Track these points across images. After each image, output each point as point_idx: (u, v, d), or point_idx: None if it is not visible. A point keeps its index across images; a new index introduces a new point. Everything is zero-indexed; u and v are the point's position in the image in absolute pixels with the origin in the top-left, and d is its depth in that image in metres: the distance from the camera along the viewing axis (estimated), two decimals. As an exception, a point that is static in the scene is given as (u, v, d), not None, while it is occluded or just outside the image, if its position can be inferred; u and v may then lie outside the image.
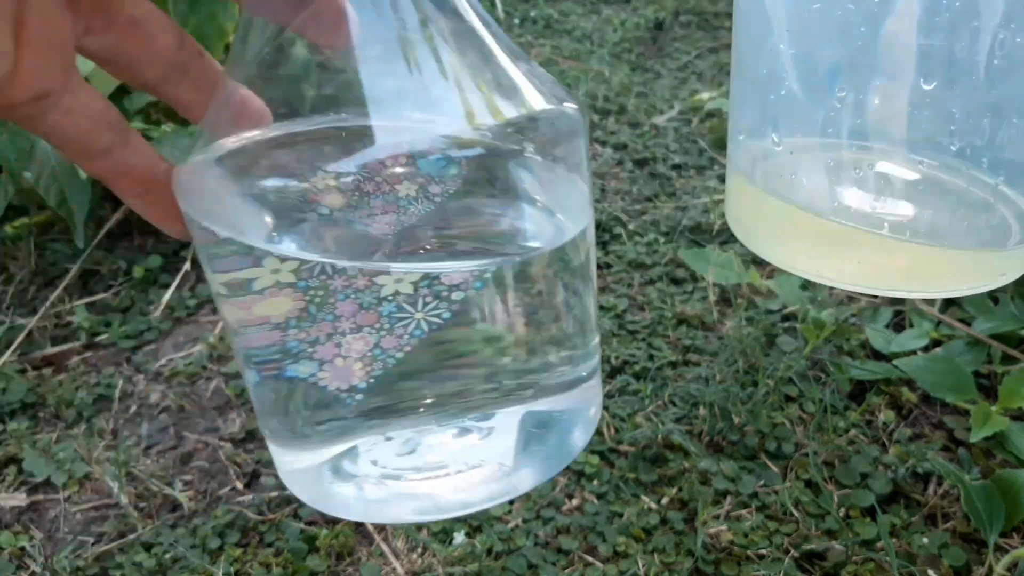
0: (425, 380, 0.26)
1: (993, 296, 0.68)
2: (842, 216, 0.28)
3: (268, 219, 0.24)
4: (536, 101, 0.26)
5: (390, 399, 0.26)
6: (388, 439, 0.26)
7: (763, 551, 0.48)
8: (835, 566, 0.47)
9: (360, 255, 0.24)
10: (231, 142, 0.25)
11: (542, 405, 0.28)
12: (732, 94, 0.31)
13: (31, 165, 0.76)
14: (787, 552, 0.48)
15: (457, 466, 0.26)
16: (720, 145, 1.06)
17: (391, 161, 0.24)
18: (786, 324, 0.68)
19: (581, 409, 0.30)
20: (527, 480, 0.27)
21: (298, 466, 0.28)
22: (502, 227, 0.26)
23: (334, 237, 0.24)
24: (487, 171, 0.25)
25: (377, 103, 0.24)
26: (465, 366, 0.27)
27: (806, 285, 0.73)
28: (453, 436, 0.27)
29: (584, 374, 0.29)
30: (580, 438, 0.29)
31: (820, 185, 0.28)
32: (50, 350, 0.69)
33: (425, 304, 0.24)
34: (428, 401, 0.26)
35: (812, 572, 0.47)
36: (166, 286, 0.77)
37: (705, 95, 1.21)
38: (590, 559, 0.48)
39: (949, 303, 0.68)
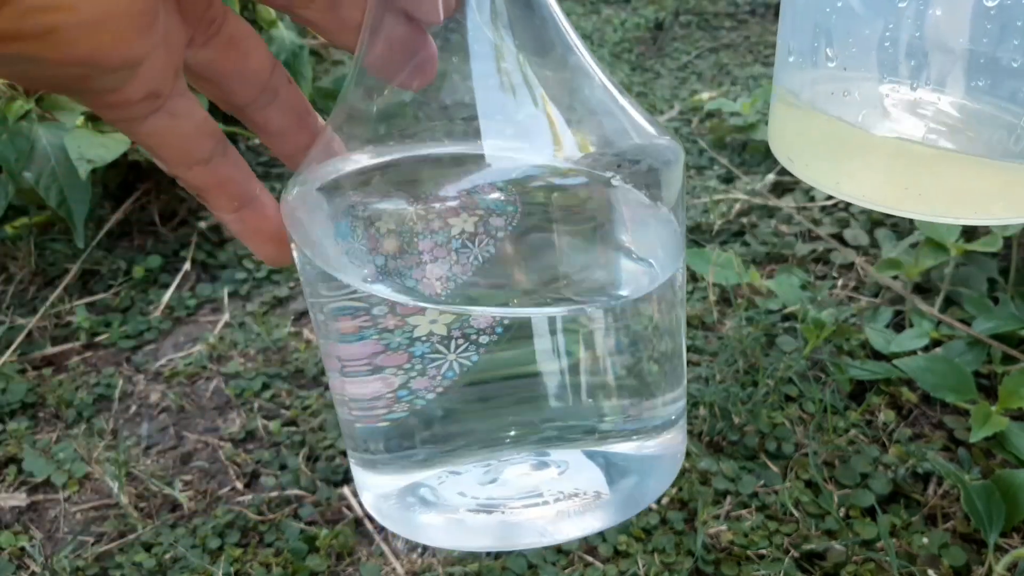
0: (508, 416, 0.26)
1: (993, 296, 0.68)
2: (893, 132, 0.27)
3: (369, 255, 0.24)
4: (636, 134, 0.26)
5: (475, 428, 0.27)
6: (464, 471, 0.27)
7: (763, 551, 0.48)
8: (835, 566, 0.47)
9: (453, 297, 0.24)
10: (339, 169, 0.25)
11: (626, 447, 0.29)
12: (783, 11, 0.30)
13: (31, 165, 0.76)
14: (787, 552, 0.48)
15: (553, 495, 0.27)
16: (720, 145, 1.06)
17: (487, 191, 0.24)
18: (786, 324, 0.68)
19: (666, 454, 0.30)
20: (619, 513, 0.28)
21: (381, 491, 0.29)
22: (597, 269, 0.27)
23: (430, 278, 0.24)
24: (583, 204, 0.26)
25: (474, 133, 0.24)
26: (546, 403, 0.27)
27: (806, 285, 0.73)
28: (532, 468, 0.27)
29: (671, 418, 0.29)
30: (663, 480, 0.29)
31: (873, 101, 0.27)
32: (50, 350, 0.69)
33: (511, 344, 0.25)
34: (512, 433, 0.27)
35: (812, 572, 0.47)
36: (166, 286, 0.77)
37: (705, 95, 1.21)
38: (590, 559, 0.48)
39: (949, 303, 0.68)
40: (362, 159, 0.25)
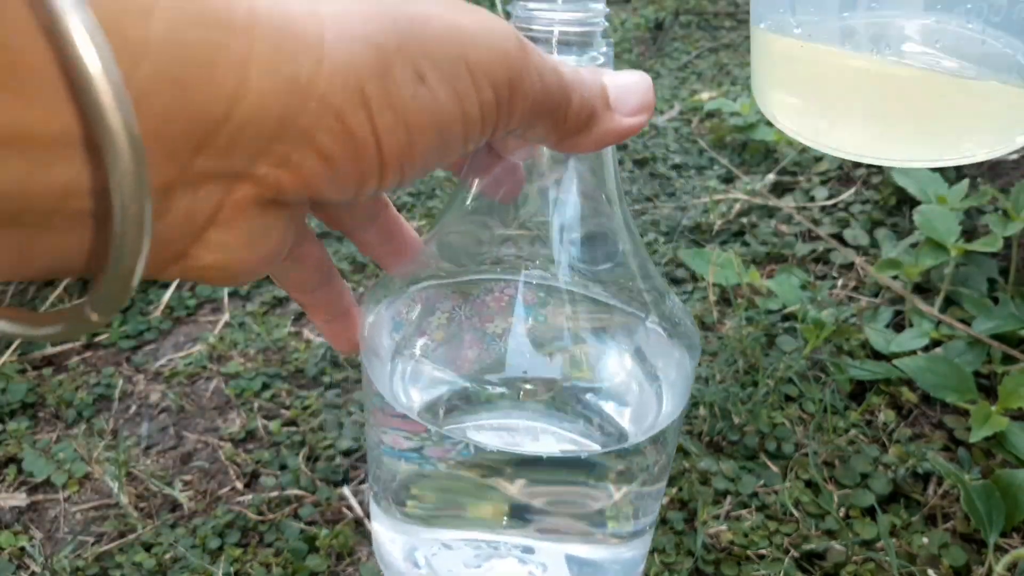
0: (505, 504, 0.29)
1: (993, 296, 0.68)
2: (865, 53, 0.26)
3: (416, 388, 0.29)
4: (672, 301, 0.30)
5: (475, 505, 0.30)
6: (456, 547, 0.30)
7: (763, 551, 0.48)
8: (835, 566, 0.47)
9: (486, 438, 0.28)
10: (410, 292, 0.29)
11: (604, 552, 0.31)
12: None
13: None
14: (787, 552, 0.48)
15: None
16: (720, 145, 1.06)
17: (529, 298, 0.28)
18: (786, 324, 0.68)
19: (636, 555, 0.32)
20: None
21: (386, 536, 0.32)
22: (611, 398, 0.29)
23: (474, 424, 0.28)
24: (609, 331, 0.29)
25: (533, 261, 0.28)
26: (547, 504, 0.29)
27: (806, 285, 0.73)
28: (517, 562, 0.30)
29: (646, 527, 0.32)
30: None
31: (838, 30, 0.27)
32: (50, 350, 0.69)
33: (514, 478, 0.28)
34: (504, 522, 0.29)
35: (812, 572, 0.47)
36: (166, 286, 0.77)
37: (705, 95, 1.21)
38: (590, 559, 0.48)
39: (949, 303, 0.68)
40: (429, 281, 0.29)
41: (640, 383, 0.29)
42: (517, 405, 0.28)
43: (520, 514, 0.29)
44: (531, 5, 0.25)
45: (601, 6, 0.26)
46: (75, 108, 0.13)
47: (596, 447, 0.28)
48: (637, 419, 0.29)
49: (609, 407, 0.29)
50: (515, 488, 0.28)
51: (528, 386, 0.28)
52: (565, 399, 0.28)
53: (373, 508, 0.33)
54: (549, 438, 0.29)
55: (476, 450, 0.27)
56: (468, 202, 0.28)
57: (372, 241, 0.28)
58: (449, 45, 0.18)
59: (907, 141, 0.28)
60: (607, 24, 0.26)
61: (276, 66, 0.15)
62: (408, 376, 0.28)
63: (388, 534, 0.32)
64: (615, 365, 0.29)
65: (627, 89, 0.23)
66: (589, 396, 0.28)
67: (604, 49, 0.26)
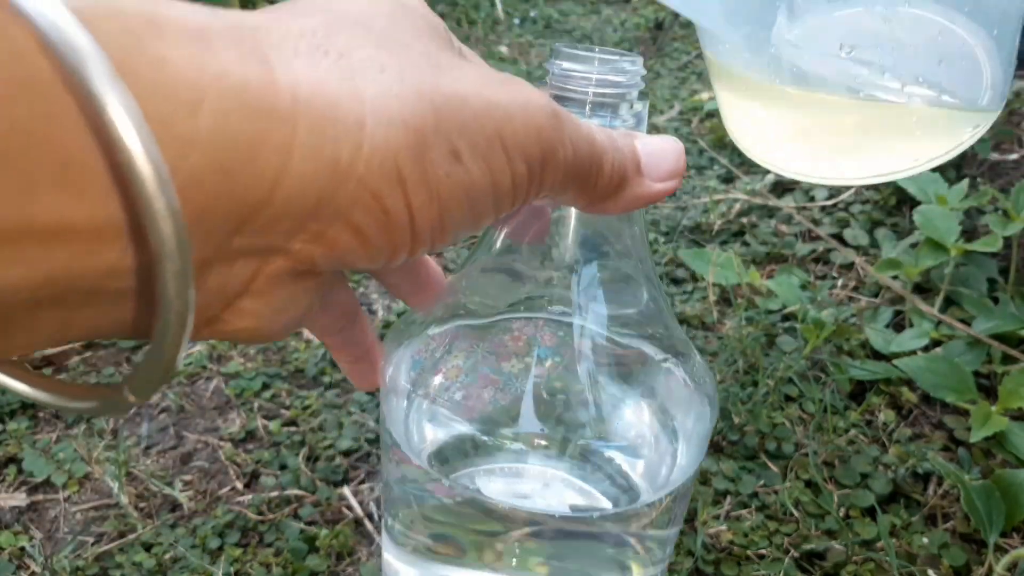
0: (516, 546, 0.29)
1: (993, 296, 0.68)
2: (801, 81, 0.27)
3: (430, 433, 0.29)
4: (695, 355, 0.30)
5: (480, 544, 0.30)
6: None
7: (763, 551, 0.48)
8: (835, 566, 0.47)
9: (499, 494, 0.28)
10: (431, 333, 0.30)
11: None
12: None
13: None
14: (787, 552, 0.48)
15: None
16: (720, 145, 1.06)
17: (547, 340, 0.28)
18: (786, 324, 0.68)
19: None
20: None
21: (392, 569, 0.33)
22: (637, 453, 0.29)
23: (485, 475, 0.28)
24: (629, 380, 0.29)
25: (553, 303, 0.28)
26: (555, 545, 0.30)
27: (806, 285, 0.73)
28: None
29: (659, 562, 0.32)
30: None
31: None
32: (50, 350, 0.69)
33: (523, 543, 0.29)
34: (514, 562, 0.29)
35: (812, 572, 0.47)
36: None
37: (705, 95, 1.21)
38: (590, 559, 0.48)
39: (949, 303, 0.68)
40: (451, 323, 0.30)
41: (657, 436, 0.29)
42: (530, 451, 0.28)
43: (528, 556, 0.29)
44: (566, 65, 0.25)
45: (637, 68, 0.26)
46: (122, 199, 0.14)
47: (607, 505, 0.28)
48: (651, 473, 0.28)
49: (624, 459, 0.29)
50: (524, 535, 0.28)
51: (542, 441, 0.28)
52: (579, 448, 0.28)
53: (384, 538, 0.33)
54: (560, 485, 0.29)
55: (485, 501, 0.27)
56: (496, 244, 0.28)
57: (397, 281, 0.29)
58: (485, 122, 0.18)
59: (833, 160, 0.29)
60: (643, 84, 0.26)
61: (318, 151, 0.16)
62: (423, 416, 0.28)
63: (397, 564, 0.32)
64: (632, 416, 0.29)
65: (659, 154, 0.23)
66: (603, 447, 0.28)
67: (639, 109, 0.26)
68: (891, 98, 0.26)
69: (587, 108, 0.25)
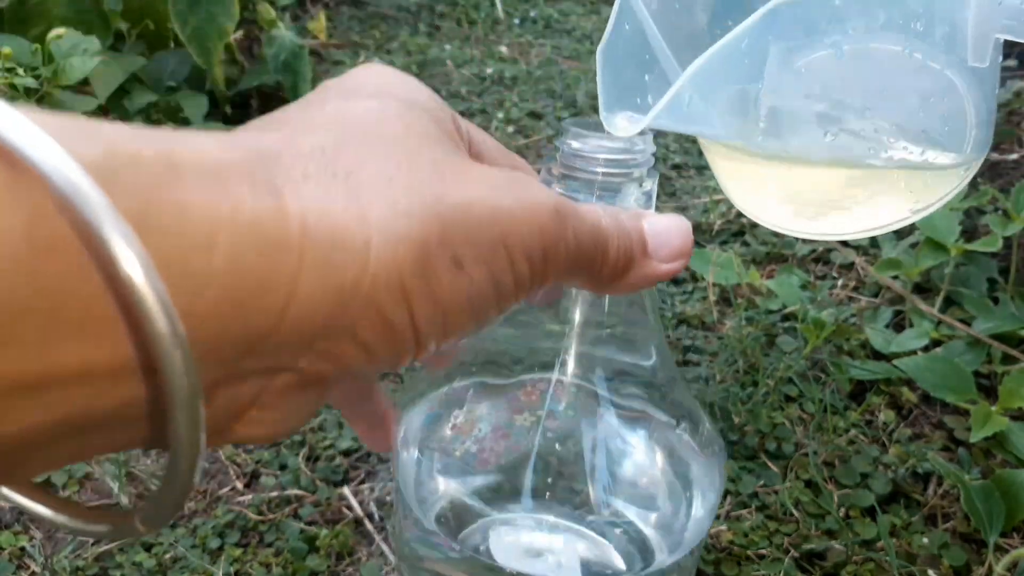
0: None
1: (993, 296, 0.68)
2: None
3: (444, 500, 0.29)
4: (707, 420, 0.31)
5: None
6: None
7: (763, 551, 0.48)
8: (835, 566, 0.47)
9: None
10: (443, 391, 0.30)
11: None
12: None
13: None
14: (787, 552, 0.48)
15: None
16: (720, 145, 1.06)
17: (558, 397, 0.28)
18: (786, 324, 0.68)
19: None
20: None
21: None
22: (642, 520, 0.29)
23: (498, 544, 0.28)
24: (640, 437, 0.29)
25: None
26: None
27: (806, 285, 0.73)
28: None
29: None
30: None
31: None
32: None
33: None
34: None
35: (812, 572, 0.47)
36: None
37: (705, 95, 1.21)
38: (590, 559, 0.48)
39: (949, 303, 0.68)
40: (463, 380, 0.30)
41: (668, 495, 0.29)
42: (543, 504, 0.28)
43: None
44: (576, 144, 0.25)
45: (647, 145, 0.25)
46: (135, 340, 0.15)
47: (620, 564, 0.28)
48: (665, 532, 0.28)
49: (637, 516, 0.28)
50: None
51: (555, 494, 0.28)
52: (590, 504, 0.28)
53: None
54: (573, 539, 0.28)
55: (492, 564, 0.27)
56: None
57: (351, 416, 0.29)
58: (489, 228, 0.19)
59: (818, 219, 0.29)
60: (653, 160, 0.26)
61: (324, 278, 0.16)
62: (435, 470, 0.29)
63: None
64: (644, 474, 0.29)
65: (665, 235, 0.23)
66: (615, 503, 0.28)
67: (648, 187, 0.26)
68: (874, 163, 0.26)
69: (595, 189, 0.25)
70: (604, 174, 0.25)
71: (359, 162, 0.18)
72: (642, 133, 0.25)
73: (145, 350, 0.15)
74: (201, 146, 0.16)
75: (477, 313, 0.20)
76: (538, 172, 0.28)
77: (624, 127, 0.25)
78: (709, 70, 0.22)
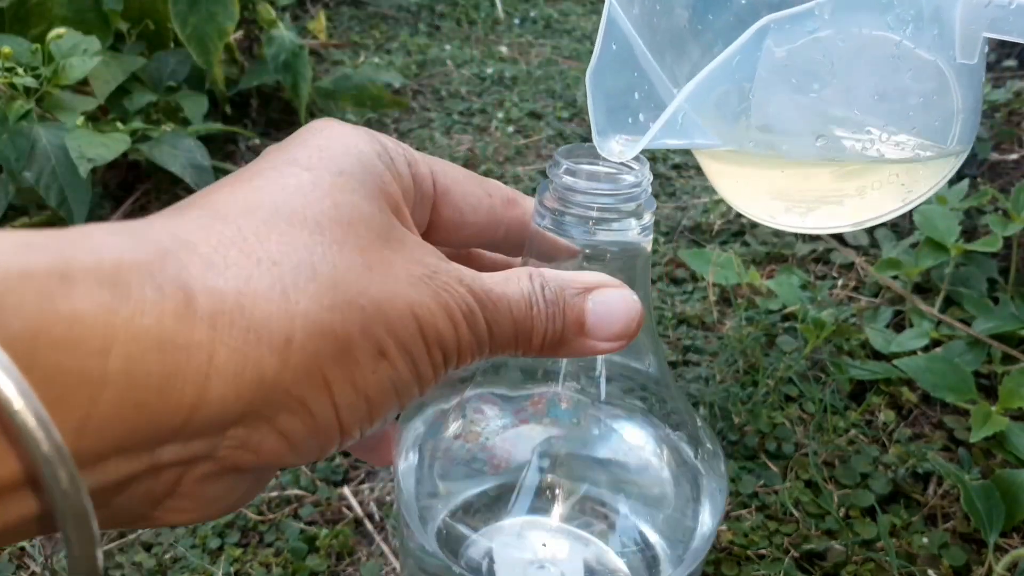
0: None
1: (993, 296, 0.68)
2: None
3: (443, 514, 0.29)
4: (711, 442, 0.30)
5: None
6: None
7: (763, 551, 0.48)
8: (835, 566, 0.47)
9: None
10: (442, 406, 0.29)
11: None
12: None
13: (31, 165, 0.76)
14: (787, 552, 0.48)
15: None
16: (720, 145, 1.06)
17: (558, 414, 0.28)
18: (786, 324, 0.68)
19: None
20: None
21: None
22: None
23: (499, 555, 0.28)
24: (642, 444, 0.29)
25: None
26: None
27: (806, 285, 0.73)
28: None
29: None
30: None
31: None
32: None
33: None
34: None
35: (812, 572, 0.47)
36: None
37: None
38: (590, 559, 0.48)
39: (949, 303, 0.68)
40: (465, 392, 0.30)
41: (675, 503, 0.28)
42: (546, 507, 0.28)
43: None
44: (568, 180, 0.24)
45: (643, 178, 0.25)
46: (24, 462, 0.15)
47: (624, 570, 0.28)
48: (671, 539, 0.28)
49: (643, 525, 0.28)
50: None
51: (558, 497, 0.28)
52: (595, 513, 0.28)
53: None
54: (577, 546, 0.28)
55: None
56: None
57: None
58: (408, 321, 0.19)
59: (810, 214, 0.30)
60: (650, 190, 0.25)
61: (240, 373, 0.17)
62: (436, 477, 0.28)
63: None
64: (650, 483, 0.28)
65: (607, 318, 0.23)
66: (622, 512, 0.28)
67: (647, 221, 0.25)
68: (865, 158, 0.26)
69: (590, 226, 0.25)
70: (599, 209, 0.24)
71: (284, 251, 0.18)
72: (638, 169, 0.25)
73: (33, 469, 0.15)
74: (102, 249, 0.16)
75: (400, 397, 0.20)
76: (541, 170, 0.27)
77: (619, 151, 0.24)
78: (703, 89, 0.22)
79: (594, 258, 0.25)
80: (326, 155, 0.21)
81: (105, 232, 0.17)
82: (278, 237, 0.18)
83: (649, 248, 0.26)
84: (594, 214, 0.24)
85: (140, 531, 0.50)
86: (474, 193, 0.25)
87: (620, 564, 0.27)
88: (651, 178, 0.25)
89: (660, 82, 0.26)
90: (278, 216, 0.19)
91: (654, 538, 0.28)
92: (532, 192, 0.27)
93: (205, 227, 0.18)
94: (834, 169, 0.28)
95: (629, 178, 0.25)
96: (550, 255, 0.26)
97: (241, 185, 0.20)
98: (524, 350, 0.23)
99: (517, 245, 0.27)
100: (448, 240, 0.26)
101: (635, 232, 0.25)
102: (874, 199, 0.28)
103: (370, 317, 0.19)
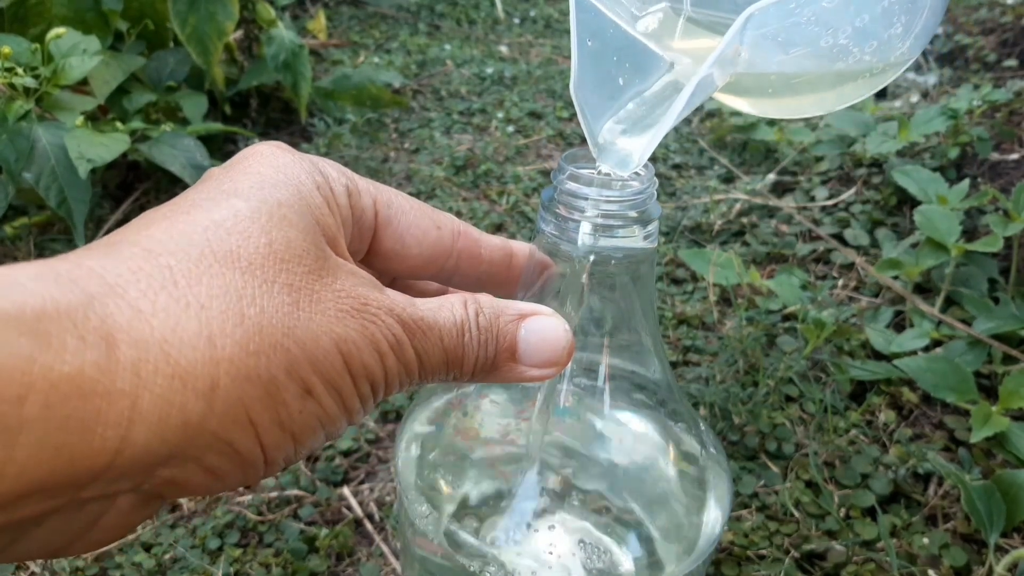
0: None
1: (993, 296, 0.68)
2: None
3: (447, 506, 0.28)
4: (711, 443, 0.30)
5: None
6: None
7: (763, 551, 0.48)
8: (835, 566, 0.47)
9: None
10: (448, 398, 0.29)
11: None
12: None
13: (31, 165, 0.76)
14: (787, 552, 0.48)
15: None
16: (720, 145, 1.06)
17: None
18: (786, 324, 0.68)
19: None
20: None
21: None
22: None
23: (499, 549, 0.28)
24: (648, 443, 0.29)
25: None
26: None
27: (806, 285, 0.73)
28: None
29: None
30: None
31: None
32: None
33: None
34: None
35: (812, 572, 0.47)
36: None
37: (705, 95, 1.21)
38: (590, 559, 0.48)
39: (949, 303, 0.68)
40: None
41: (679, 501, 0.28)
42: (548, 504, 0.28)
43: None
44: (571, 187, 0.24)
45: (648, 184, 0.24)
46: None
47: (629, 566, 0.28)
48: (674, 537, 0.28)
49: (646, 522, 0.28)
50: None
51: (559, 493, 0.28)
52: (599, 509, 0.28)
53: None
54: (580, 543, 0.28)
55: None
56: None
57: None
58: (335, 357, 0.20)
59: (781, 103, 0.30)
60: (655, 195, 0.25)
61: (165, 418, 0.17)
62: (437, 476, 0.28)
63: None
64: (653, 481, 0.28)
65: (538, 345, 0.24)
66: (625, 508, 0.28)
67: (652, 229, 0.25)
68: (839, 67, 0.26)
69: (594, 230, 0.25)
70: (603, 215, 0.24)
71: (213, 294, 0.18)
72: (644, 175, 0.25)
73: None
74: (23, 294, 0.16)
75: (328, 432, 0.21)
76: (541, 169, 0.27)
77: (620, 162, 0.24)
78: (691, 105, 0.22)
79: (599, 264, 0.25)
80: (266, 184, 0.21)
81: (30, 277, 0.17)
82: (208, 280, 0.18)
83: (655, 255, 0.26)
84: (598, 221, 0.24)
85: (139, 532, 0.50)
86: (419, 225, 0.26)
87: (627, 563, 0.27)
88: (656, 183, 0.25)
89: (650, 59, 0.26)
90: (212, 256, 0.19)
91: (659, 538, 0.28)
92: (532, 192, 0.27)
93: (135, 269, 0.18)
94: (814, 76, 0.28)
95: (634, 184, 0.25)
96: (553, 262, 0.26)
97: (178, 218, 0.20)
98: (456, 376, 0.23)
99: (471, 276, 0.28)
100: (392, 269, 0.26)
101: (640, 239, 0.25)
102: (845, 94, 0.29)
103: (295, 359, 0.19)
